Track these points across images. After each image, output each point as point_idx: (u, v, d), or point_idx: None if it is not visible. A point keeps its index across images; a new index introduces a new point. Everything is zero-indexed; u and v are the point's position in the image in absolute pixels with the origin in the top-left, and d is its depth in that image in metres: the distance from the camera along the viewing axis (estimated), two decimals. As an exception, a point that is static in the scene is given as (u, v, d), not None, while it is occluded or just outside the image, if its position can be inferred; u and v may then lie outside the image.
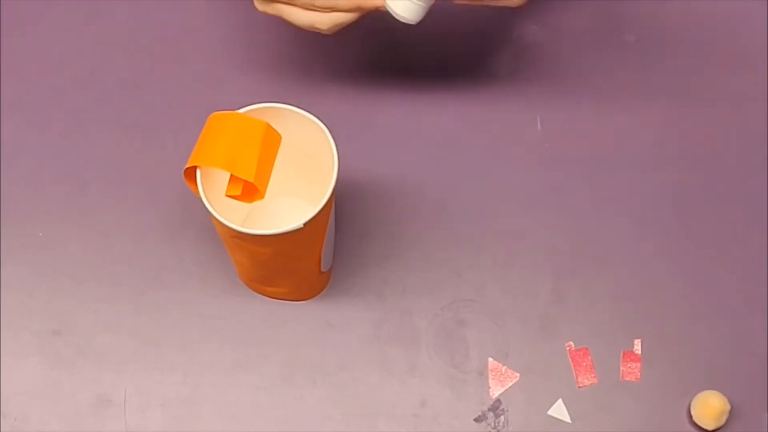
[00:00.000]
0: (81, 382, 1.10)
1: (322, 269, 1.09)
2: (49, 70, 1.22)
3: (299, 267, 1.07)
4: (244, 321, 1.12)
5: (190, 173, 0.98)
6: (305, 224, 0.95)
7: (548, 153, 1.18)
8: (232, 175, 0.99)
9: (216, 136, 0.96)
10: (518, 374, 1.10)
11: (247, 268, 1.08)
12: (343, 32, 1.04)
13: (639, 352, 1.11)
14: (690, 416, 1.08)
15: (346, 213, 1.16)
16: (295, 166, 1.05)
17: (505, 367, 1.11)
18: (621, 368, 1.10)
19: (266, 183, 0.97)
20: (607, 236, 1.15)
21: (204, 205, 0.96)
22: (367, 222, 1.16)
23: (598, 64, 1.21)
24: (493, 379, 1.10)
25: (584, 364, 1.10)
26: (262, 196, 0.98)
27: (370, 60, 1.23)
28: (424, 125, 1.19)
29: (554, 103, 1.20)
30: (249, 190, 0.99)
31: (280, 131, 0.98)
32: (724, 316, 1.12)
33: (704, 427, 1.07)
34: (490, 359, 1.11)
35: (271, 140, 0.97)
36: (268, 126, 0.96)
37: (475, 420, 1.09)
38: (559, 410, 1.09)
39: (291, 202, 1.12)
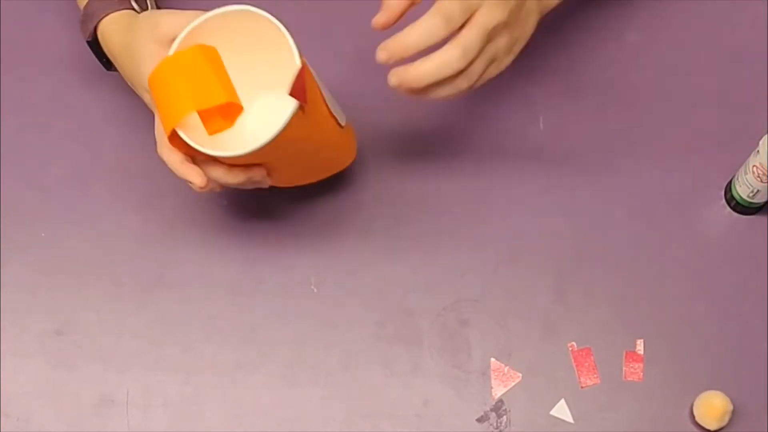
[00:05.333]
0: (83, 382, 1.10)
1: (341, 124, 1.07)
2: (49, 70, 1.22)
3: (322, 140, 1.04)
4: (246, 321, 1.12)
5: (175, 140, 0.96)
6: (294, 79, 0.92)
7: (550, 153, 1.18)
8: (202, 114, 0.97)
9: (166, 90, 0.94)
10: (520, 374, 1.10)
11: (280, 171, 1.05)
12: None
13: (641, 352, 1.11)
14: (692, 416, 1.08)
15: (347, 213, 1.16)
16: (255, 73, 1.00)
17: (507, 367, 1.11)
18: (623, 368, 1.10)
19: (235, 94, 0.95)
20: (609, 236, 1.15)
21: (207, 154, 0.94)
22: (368, 222, 1.16)
23: (600, 64, 1.21)
24: (495, 379, 1.10)
25: (587, 364, 1.10)
26: (241, 108, 0.96)
27: (361, 61, 1.23)
28: (425, 125, 1.19)
29: (556, 103, 1.20)
30: (226, 113, 0.97)
31: (232, 42, 0.95)
32: (727, 317, 1.12)
33: (707, 427, 1.07)
34: (493, 359, 1.11)
35: (211, 56, 0.95)
36: (201, 46, 0.94)
37: (478, 420, 1.09)
38: (561, 410, 1.09)
39: (262, 97, 1.02)
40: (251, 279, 1.13)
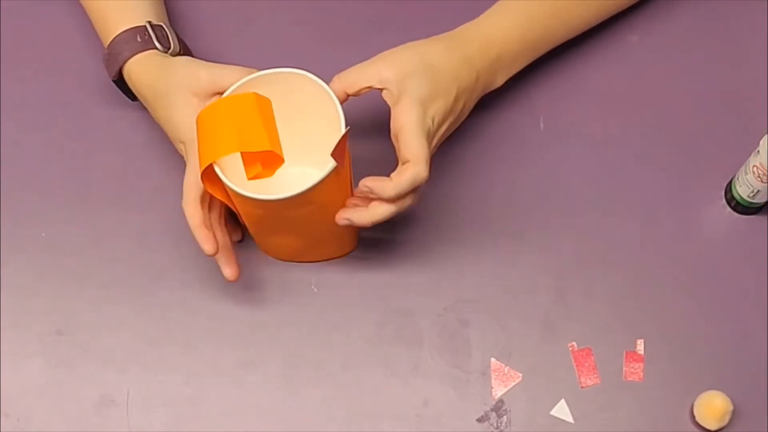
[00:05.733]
0: (84, 382, 1.10)
1: None
2: (49, 70, 1.22)
3: (337, 209, 1.05)
4: (247, 321, 1.12)
5: (208, 175, 0.97)
6: (334, 155, 0.94)
7: (551, 153, 1.18)
8: (245, 158, 0.99)
9: (213, 128, 0.95)
10: (521, 374, 1.10)
11: (291, 240, 1.08)
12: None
13: (642, 352, 1.11)
14: (693, 416, 1.08)
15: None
16: (298, 134, 1.04)
17: (507, 367, 1.11)
18: (624, 368, 1.10)
19: (280, 146, 0.96)
20: (609, 236, 1.15)
21: (239, 193, 0.96)
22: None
23: (601, 64, 1.21)
24: (495, 379, 1.10)
25: (587, 364, 1.10)
26: (282, 160, 0.97)
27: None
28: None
29: (556, 103, 1.20)
30: (268, 162, 0.99)
31: (282, 100, 0.98)
32: (727, 317, 1.12)
33: (707, 427, 1.07)
34: (493, 359, 1.11)
35: (264, 107, 0.97)
36: (256, 94, 0.96)
37: (478, 420, 1.09)
38: (561, 410, 1.09)
39: (300, 170, 1.09)
40: (251, 279, 1.13)
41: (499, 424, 1.09)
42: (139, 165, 1.17)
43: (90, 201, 1.16)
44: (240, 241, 1.13)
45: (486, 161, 1.17)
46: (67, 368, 1.10)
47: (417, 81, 1.04)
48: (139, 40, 1.10)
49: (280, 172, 1.02)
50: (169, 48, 1.12)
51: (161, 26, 1.12)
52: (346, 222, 1.04)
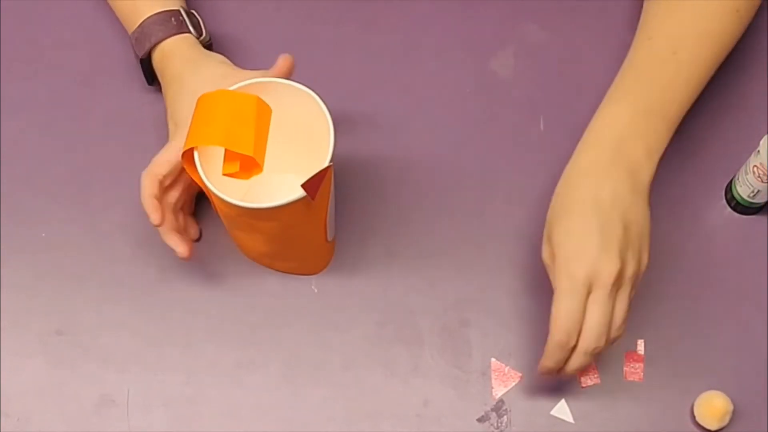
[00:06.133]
0: (84, 382, 1.10)
1: (328, 238, 1.09)
2: (49, 70, 1.22)
3: (307, 237, 1.07)
4: (247, 321, 1.12)
5: (188, 156, 0.97)
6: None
7: (551, 153, 1.17)
8: (227, 154, 0.99)
9: (209, 116, 0.96)
10: (521, 374, 1.10)
11: (256, 244, 1.08)
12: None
13: (642, 352, 1.11)
14: (693, 416, 1.08)
15: (348, 214, 1.15)
16: (289, 142, 1.05)
17: (507, 367, 1.11)
18: (624, 368, 1.10)
19: (263, 156, 0.97)
20: (609, 236, 1.15)
21: (206, 185, 0.96)
22: (369, 222, 1.15)
23: (600, 64, 1.21)
24: (495, 379, 1.10)
25: (587, 364, 1.11)
26: (261, 170, 0.98)
27: (370, 61, 1.23)
28: (426, 126, 1.19)
29: (557, 103, 1.20)
30: (247, 166, 0.99)
31: (273, 107, 0.98)
32: (728, 317, 1.12)
33: (707, 427, 1.07)
34: (493, 359, 1.11)
35: (263, 114, 0.97)
36: (259, 99, 0.96)
37: (478, 420, 1.09)
38: (562, 410, 1.09)
39: (287, 178, 1.10)
40: (251, 279, 1.13)
41: (499, 424, 1.09)
42: (139, 165, 1.17)
43: (90, 201, 1.16)
44: (197, 240, 1.13)
45: (486, 160, 1.17)
46: (67, 368, 1.10)
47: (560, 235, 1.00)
48: (174, 22, 1.11)
49: (274, 176, 1.04)
50: (201, 35, 1.13)
51: (194, 13, 1.14)
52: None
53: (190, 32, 1.12)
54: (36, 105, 1.20)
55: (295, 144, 1.05)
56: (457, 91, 1.21)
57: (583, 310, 0.97)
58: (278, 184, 1.10)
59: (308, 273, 1.14)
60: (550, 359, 0.99)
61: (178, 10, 1.12)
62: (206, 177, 0.97)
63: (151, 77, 1.16)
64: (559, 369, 1.01)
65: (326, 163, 0.96)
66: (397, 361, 1.11)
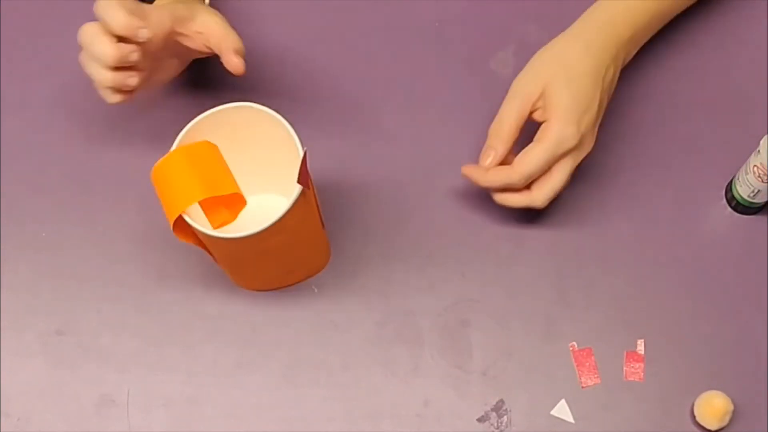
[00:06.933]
0: (84, 382, 1.10)
1: (324, 225, 1.10)
2: (49, 70, 1.22)
3: (309, 234, 1.07)
4: (247, 321, 1.12)
5: (179, 226, 0.97)
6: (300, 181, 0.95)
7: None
8: (207, 207, 1.01)
9: (174, 179, 0.96)
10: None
11: (268, 269, 1.08)
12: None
13: (642, 352, 1.11)
14: (693, 416, 1.08)
15: (348, 214, 1.16)
16: (254, 163, 1.05)
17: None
18: (624, 368, 1.10)
19: (237, 187, 0.98)
20: (610, 237, 1.15)
21: (211, 236, 0.96)
22: (370, 222, 1.15)
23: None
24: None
25: (587, 364, 1.10)
26: (244, 202, 0.99)
27: (369, 61, 1.23)
28: (425, 126, 1.19)
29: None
30: (231, 205, 1.00)
31: (243, 132, 0.99)
32: (728, 317, 1.12)
33: (707, 427, 1.07)
34: (494, 359, 1.11)
35: (216, 152, 0.98)
36: (206, 141, 0.98)
37: (478, 420, 1.09)
38: (562, 410, 1.09)
39: (259, 199, 1.10)
40: (252, 279, 1.14)
41: (499, 424, 1.09)
42: (139, 165, 1.17)
43: (90, 201, 1.16)
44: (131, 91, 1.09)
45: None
46: (67, 368, 1.10)
47: (563, 97, 1.07)
48: None
49: (250, 201, 1.05)
50: None
51: None
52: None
53: None
54: (36, 105, 1.20)
55: (249, 164, 1.05)
56: (457, 91, 1.21)
57: (547, 168, 1.08)
58: (248, 211, 1.09)
59: (316, 272, 1.14)
60: (487, 182, 1.09)
61: None
62: (205, 229, 0.97)
63: None
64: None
65: (301, 152, 0.96)
66: (397, 361, 1.11)
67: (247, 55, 1.09)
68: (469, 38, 1.24)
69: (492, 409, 1.10)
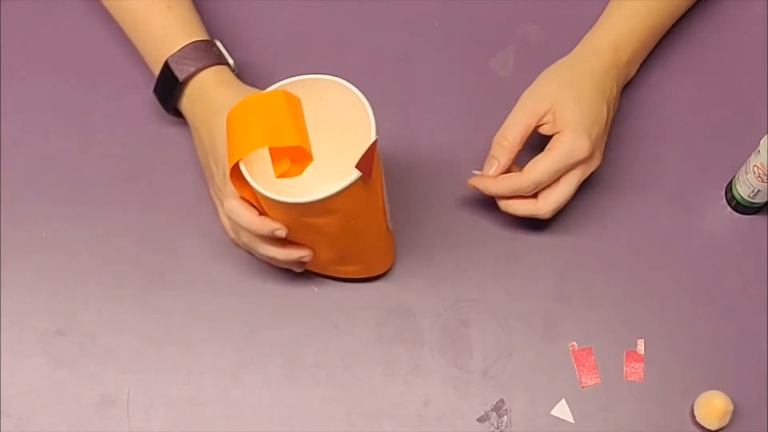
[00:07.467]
0: (84, 382, 1.10)
1: (389, 226, 1.09)
2: (49, 70, 1.22)
3: (368, 228, 1.05)
4: (248, 321, 1.12)
5: (235, 172, 0.96)
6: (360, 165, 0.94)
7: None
8: (274, 156, 0.98)
9: (242, 126, 0.95)
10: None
11: (321, 249, 1.06)
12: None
13: (642, 352, 1.11)
14: (693, 416, 1.08)
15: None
16: (336, 142, 1.02)
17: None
18: (624, 368, 1.10)
19: (308, 143, 0.96)
20: (610, 236, 1.15)
21: (260, 193, 0.95)
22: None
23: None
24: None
25: (587, 364, 1.10)
26: (311, 157, 0.97)
27: (369, 61, 1.23)
28: (425, 126, 1.19)
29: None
30: (296, 158, 0.98)
31: (311, 106, 0.97)
32: (728, 317, 1.12)
33: (707, 427, 1.07)
34: (494, 359, 1.11)
35: (293, 105, 0.96)
36: (285, 92, 0.96)
37: (479, 420, 1.09)
38: (562, 410, 1.09)
39: (331, 163, 1.04)
40: (252, 279, 1.13)
41: (499, 424, 1.09)
42: (139, 165, 1.17)
43: (90, 201, 1.16)
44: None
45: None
46: (67, 368, 1.10)
47: (574, 112, 1.09)
48: (215, 51, 1.11)
49: (319, 183, 1.00)
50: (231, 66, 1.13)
51: (221, 45, 1.14)
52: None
53: (228, 63, 1.12)
54: (36, 105, 1.20)
55: (332, 140, 1.02)
56: (457, 91, 1.21)
57: (555, 178, 1.09)
58: (320, 190, 1.03)
59: (376, 273, 1.13)
60: (497, 189, 1.10)
61: (214, 42, 1.12)
62: (255, 183, 0.96)
63: (172, 107, 1.14)
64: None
65: (372, 138, 0.96)
66: (397, 361, 1.11)
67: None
68: (469, 38, 1.24)
69: (492, 409, 1.10)
